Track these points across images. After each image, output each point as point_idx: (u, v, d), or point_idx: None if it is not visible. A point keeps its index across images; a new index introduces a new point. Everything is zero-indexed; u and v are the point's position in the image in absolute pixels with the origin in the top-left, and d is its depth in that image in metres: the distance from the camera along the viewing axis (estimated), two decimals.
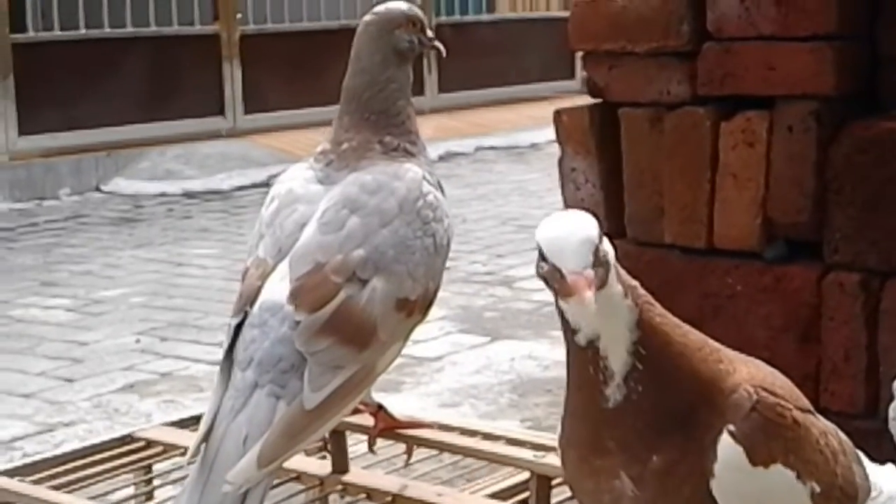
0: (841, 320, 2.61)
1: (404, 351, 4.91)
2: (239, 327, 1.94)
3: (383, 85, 2.07)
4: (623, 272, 1.47)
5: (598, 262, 1.39)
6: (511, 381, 4.53)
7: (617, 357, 1.44)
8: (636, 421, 1.45)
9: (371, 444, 2.21)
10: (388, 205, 1.95)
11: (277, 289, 1.91)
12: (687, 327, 1.52)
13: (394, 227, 1.95)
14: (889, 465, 1.82)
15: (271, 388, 1.84)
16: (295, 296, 1.87)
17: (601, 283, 1.40)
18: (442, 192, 2.08)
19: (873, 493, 1.70)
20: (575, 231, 1.40)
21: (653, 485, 1.47)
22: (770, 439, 1.48)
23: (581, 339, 1.44)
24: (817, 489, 1.53)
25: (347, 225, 1.92)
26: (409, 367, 4.72)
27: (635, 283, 1.48)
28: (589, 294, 1.36)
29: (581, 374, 1.46)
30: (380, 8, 2.14)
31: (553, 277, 1.39)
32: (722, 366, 1.50)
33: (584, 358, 1.45)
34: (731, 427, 1.46)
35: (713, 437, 1.46)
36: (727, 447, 1.46)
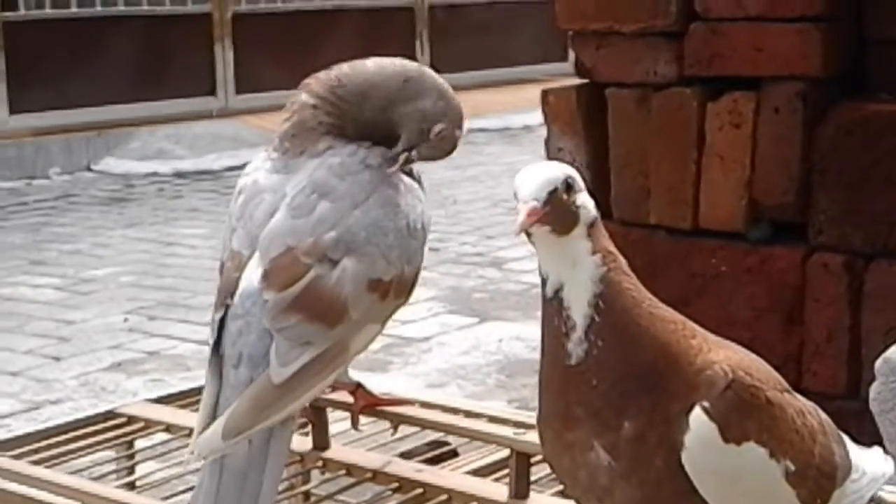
0: (825, 301, 2.62)
1: (392, 331, 4.91)
2: (222, 321, 1.93)
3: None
4: (605, 239, 1.49)
5: (556, 203, 1.44)
6: (499, 362, 4.54)
7: (579, 308, 1.47)
8: (599, 380, 1.46)
9: (355, 422, 2.21)
10: (358, 188, 1.94)
11: (254, 276, 1.90)
12: (663, 306, 1.53)
13: (366, 209, 1.94)
14: (875, 448, 1.81)
15: None
16: (265, 276, 1.87)
17: (560, 228, 1.45)
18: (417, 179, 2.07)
19: (854, 475, 1.70)
20: (540, 172, 1.46)
21: (626, 454, 1.47)
22: (744, 418, 1.49)
23: (548, 289, 1.48)
24: (791, 468, 1.53)
25: (318, 209, 1.92)
26: (396, 348, 4.72)
27: (617, 253, 1.49)
28: (522, 219, 1.42)
29: (548, 327, 1.50)
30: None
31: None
32: (694, 341, 1.51)
33: (550, 311, 1.48)
34: (706, 403, 1.47)
35: (682, 407, 1.47)
36: (700, 423, 1.46)
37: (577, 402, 1.49)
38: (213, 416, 1.85)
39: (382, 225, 1.94)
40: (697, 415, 1.46)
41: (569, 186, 1.46)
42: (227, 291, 1.91)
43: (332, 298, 1.87)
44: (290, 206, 1.91)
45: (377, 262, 1.92)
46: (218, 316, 1.91)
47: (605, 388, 1.47)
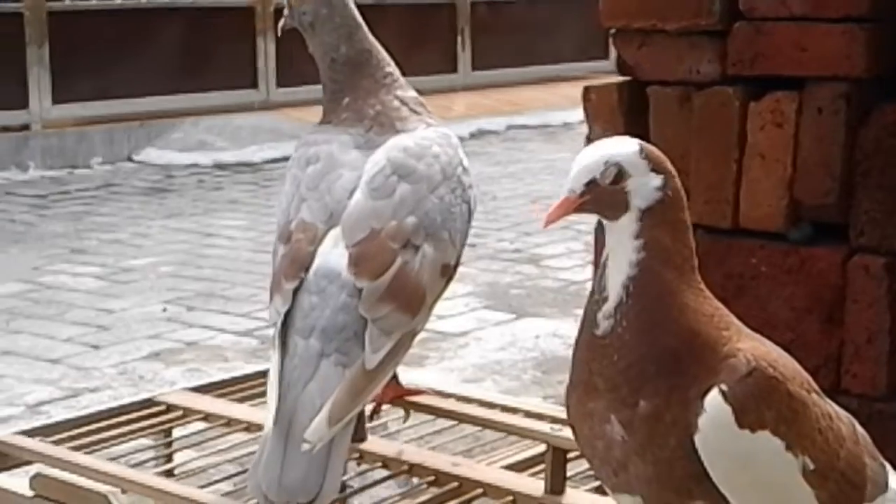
0: (865, 303, 2.60)
1: (429, 326, 4.94)
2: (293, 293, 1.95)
3: (373, 46, 2.12)
4: (660, 227, 1.50)
5: (598, 192, 1.46)
6: (535, 359, 4.54)
7: (614, 284, 1.50)
8: (620, 357, 1.48)
9: (376, 412, 2.23)
10: (434, 171, 1.99)
11: (333, 255, 1.93)
12: (714, 301, 1.53)
13: (440, 194, 1.98)
14: None
15: (337, 357, 1.87)
16: (356, 263, 1.90)
17: (597, 210, 1.48)
18: None
19: (890, 497, 1.68)
20: (586, 155, 1.48)
21: (641, 431, 1.48)
22: (761, 406, 1.49)
23: (603, 255, 1.52)
24: (811, 466, 1.53)
25: (398, 191, 1.95)
26: (433, 342, 4.73)
27: (668, 242, 1.50)
28: (550, 212, 1.47)
29: (591, 294, 1.53)
30: None
31: None
32: (725, 332, 1.52)
33: (600, 270, 1.52)
34: (724, 386, 1.47)
35: (699, 390, 1.47)
36: (716, 405, 1.47)
37: (598, 373, 1.50)
38: (280, 387, 1.87)
39: (454, 210, 1.99)
40: (714, 396, 1.47)
41: (618, 173, 1.46)
42: (301, 264, 1.93)
43: (415, 286, 1.91)
44: (371, 187, 1.94)
45: (448, 247, 1.96)
46: (291, 286, 1.92)
47: (624, 366, 1.48)
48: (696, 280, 1.53)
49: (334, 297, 1.88)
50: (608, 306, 1.49)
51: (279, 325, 1.92)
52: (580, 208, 1.46)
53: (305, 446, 1.81)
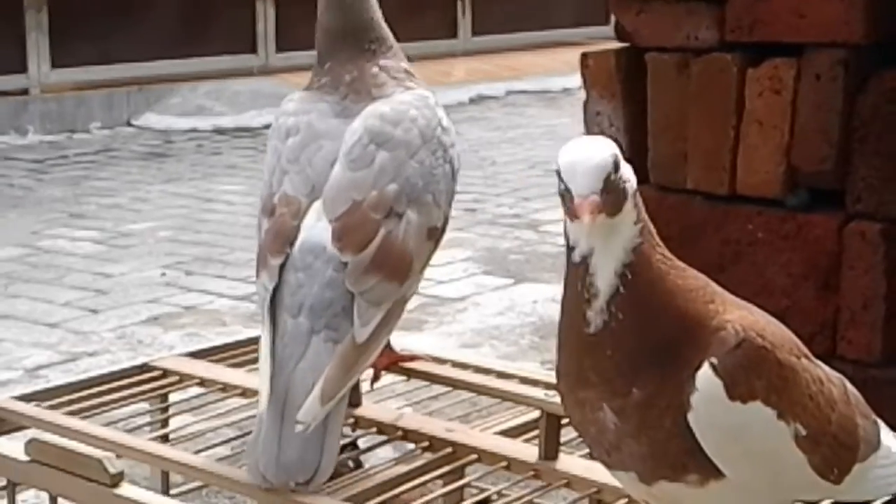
0: (861, 269, 2.60)
1: (427, 291, 4.93)
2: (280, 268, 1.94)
3: (371, 13, 2.08)
4: (641, 206, 1.49)
5: (610, 188, 1.43)
6: (533, 324, 4.55)
7: (604, 277, 1.47)
8: (614, 352, 1.47)
9: (376, 379, 2.23)
10: (412, 135, 1.96)
11: (316, 229, 1.91)
12: (691, 271, 1.53)
13: (420, 157, 1.96)
14: None
15: (327, 333, 1.87)
16: (339, 236, 1.89)
17: (612, 210, 1.44)
18: None
19: (883, 457, 1.68)
20: (591, 156, 1.44)
21: (634, 417, 1.48)
22: (751, 377, 1.49)
23: (576, 255, 1.48)
24: (803, 432, 1.53)
25: (377, 159, 1.93)
26: (431, 307, 4.74)
27: (648, 220, 1.49)
28: (587, 219, 1.41)
29: (570, 291, 1.50)
30: None
31: (566, 198, 1.44)
32: (712, 305, 1.51)
33: (575, 275, 1.48)
34: (713, 360, 1.47)
35: (692, 370, 1.47)
36: (707, 379, 1.47)
37: (590, 367, 1.49)
38: (272, 364, 1.87)
39: (435, 172, 1.97)
40: (704, 371, 1.47)
41: (616, 166, 1.45)
42: (285, 239, 1.92)
43: (401, 253, 1.90)
44: (349, 158, 1.93)
45: (432, 210, 1.95)
46: (277, 262, 1.91)
47: (619, 360, 1.47)
48: (667, 253, 1.52)
49: (321, 272, 1.88)
50: (599, 302, 1.48)
51: (267, 300, 1.91)
52: (603, 209, 1.43)
53: (299, 427, 1.80)
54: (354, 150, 1.93)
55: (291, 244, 1.91)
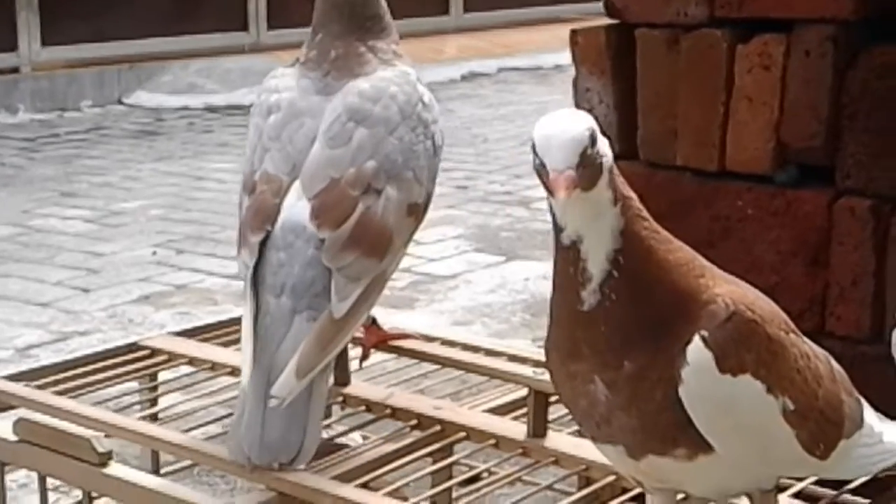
0: (850, 245, 2.60)
1: (419, 268, 4.91)
2: (260, 245, 1.94)
3: None
4: (621, 182, 1.48)
5: (586, 162, 1.41)
6: (524, 301, 4.54)
7: (596, 262, 1.47)
8: (608, 328, 1.47)
9: (365, 357, 2.23)
10: (391, 112, 1.95)
11: (297, 208, 1.91)
12: (678, 244, 1.52)
13: (399, 134, 1.96)
14: None
15: (309, 313, 1.87)
16: (316, 214, 1.88)
17: (587, 184, 1.42)
18: None
19: (867, 436, 1.69)
20: (565, 130, 1.42)
21: (625, 390, 1.48)
22: (741, 350, 1.49)
23: (565, 238, 1.48)
24: (791, 406, 1.53)
25: (355, 137, 1.92)
26: (423, 285, 4.73)
27: (632, 194, 1.49)
28: (564, 193, 1.39)
29: (562, 273, 1.50)
30: None
31: (542, 173, 1.42)
32: (702, 280, 1.52)
33: (566, 258, 1.48)
34: (704, 333, 1.48)
35: (683, 343, 1.47)
36: (697, 351, 1.47)
37: (583, 340, 1.49)
38: (255, 344, 1.86)
39: (415, 149, 1.96)
40: (695, 343, 1.47)
41: (593, 140, 1.43)
42: (265, 216, 1.92)
43: (380, 229, 1.89)
44: (328, 136, 1.92)
45: (413, 186, 1.94)
46: (257, 239, 1.91)
47: (612, 334, 1.48)
48: (654, 226, 1.52)
49: (301, 251, 1.87)
50: (592, 285, 1.47)
51: (249, 278, 1.91)
52: (579, 183, 1.42)
53: (274, 402, 1.80)
54: (333, 127, 1.93)
55: (273, 222, 1.91)
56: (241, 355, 1.94)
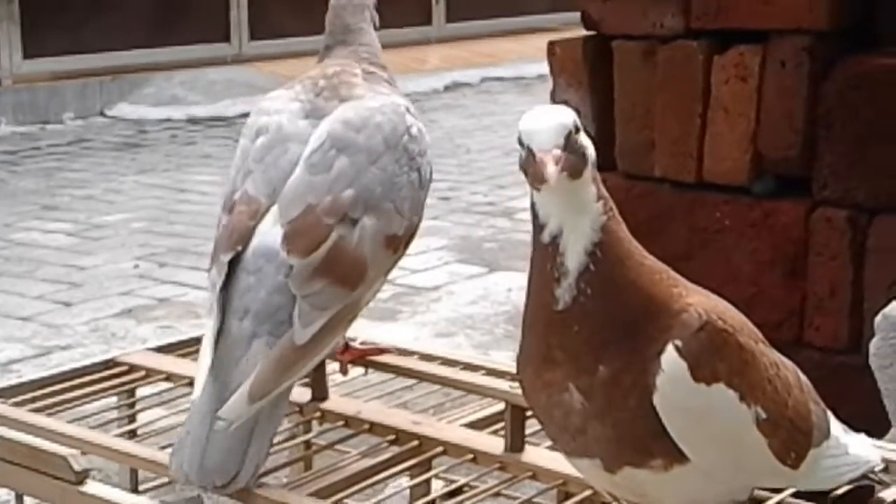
0: (828, 255, 2.62)
1: (402, 280, 4.89)
2: (233, 266, 1.93)
3: (367, 16, 2.09)
4: (600, 181, 1.49)
5: (572, 149, 1.44)
6: (507, 312, 4.54)
7: (574, 256, 1.48)
8: (582, 327, 1.48)
9: (344, 372, 2.23)
10: (375, 141, 1.94)
11: (271, 234, 1.89)
12: (651, 256, 1.54)
13: (382, 164, 1.94)
14: (863, 435, 1.81)
15: (269, 339, 1.84)
16: (288, 240, 1.87)
17: (573, 171, 1.44)
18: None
19: (834, 447, 1.69)
20: (550, 117, 1.45)
21: (600, 396, 1.49)
22: (715, 359, 1.50)
23: (546, 235, 1.48)
24: (763, 415, 1.54)
25: (336, 165, 1.91)
26: (406, 297, 4.73)
27: (610, 198, 1.50)
28: (553, 169, 1.40)
29: (538, 272, 1.51)
30: None
31: (528, 163, 1.44)
32: (675, 290, 1.53)
33: (544, 255, 1.49)
34: (678, 342, 1.48)
35: (657, 350, 1.48)
36: (671, 361, 1.48)
37: (557, 345, 1.50)
38: (211, 367, 1.85)
39: (397, 180, 1.95)
40: (669, 352, 1.48)
41: (577, 128, 1.46)
42: (239, 237, 1.91)
43: (354, 260, 1.87)
44: (309, 163, 1.91)
45: (393, 217, 1.93)
46: (226, 259, 1.90)
47: (586, 335, 1.48)
48: (629, 234, 1.54)
49: (270, 277, 1.86)
50: (568, 280, 1.48)
51: (216, 297, 1.90)
52: (564, 164, 1.43)
53: (221, 424, 1.78)
54: (315, 154, 1.92)
55: (245, 243, 1.90)
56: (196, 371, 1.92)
